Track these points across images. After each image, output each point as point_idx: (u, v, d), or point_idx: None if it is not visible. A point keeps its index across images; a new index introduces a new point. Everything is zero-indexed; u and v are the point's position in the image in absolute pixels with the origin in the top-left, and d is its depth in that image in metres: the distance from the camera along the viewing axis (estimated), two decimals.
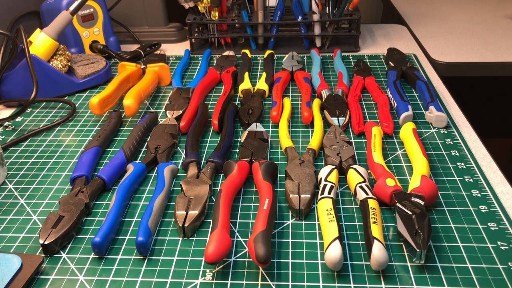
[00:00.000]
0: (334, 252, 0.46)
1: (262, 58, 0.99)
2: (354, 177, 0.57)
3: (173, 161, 0.67)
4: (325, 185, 0.55)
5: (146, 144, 0.69)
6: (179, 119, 0.75)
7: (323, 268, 0.49)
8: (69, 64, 0.87)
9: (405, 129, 0.67)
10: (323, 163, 0.65)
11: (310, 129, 0.73)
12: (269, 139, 0.70)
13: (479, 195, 0.58)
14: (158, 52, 0.99)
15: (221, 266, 0.49)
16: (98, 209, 0.58)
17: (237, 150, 0.69)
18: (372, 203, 0.52)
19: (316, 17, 0.98)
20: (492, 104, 1.32)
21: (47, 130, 0.76)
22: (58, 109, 0.83)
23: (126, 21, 1.10)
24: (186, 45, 1.09)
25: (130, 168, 0.62)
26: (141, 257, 0.51)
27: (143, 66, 0.88)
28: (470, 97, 1.19)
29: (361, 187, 0.55)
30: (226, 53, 0.97)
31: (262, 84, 0.83)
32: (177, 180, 0.63)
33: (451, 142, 0.68)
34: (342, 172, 0.62)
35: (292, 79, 0.89)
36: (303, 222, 0.55)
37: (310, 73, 0.88)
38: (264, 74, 0.86)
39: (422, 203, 0.53)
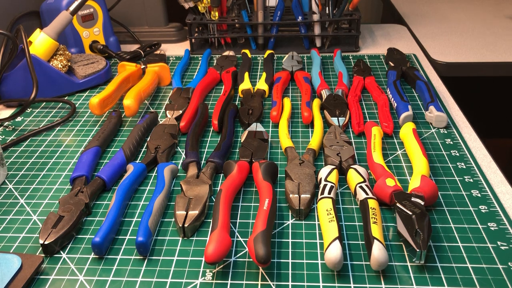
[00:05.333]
0: (334, 252, 0.46)
1: (262, 58, 0.99)
2: (354, 177, 0.57)
3: (173, 161, 0.67)
4: (325, 185, 0.55)
5: (146, 144, 0.69)
6: (179, 119, 0.75)
7: (323, 268, 0.49)
8: (69, 64, 0.87)
9: (405, 129, 0.67)
10: (323, 163, 0.65)
11: (310, 129, 0.73)
12: (269, 139, 0.70)
13: (479, 195, 0.58)
14: (158, 52, 0.99)
15: (221, 266, 0.49)
16: (98, 209, 0.58)
17: (237, 150, 0.69)
18: (372, 203, 0.52)
19: (316, 17, 0.98)
20: (492, 104, 1.31)
21: (47, 130, 0.76)
22: (58, 109, 0.83)
23: (126, 21, 1.10)
24: (186, 45, 1.09)
25: (130, 168, 0.62)
26: (141, 257, 0.51)
27: (143, 66, 0.88)
28: (470, 97, 1.18)
29: (361, 187, 0.55)
30: (226, 53, 0.97)
31: (262, 84, 0.83)
32: (177, 180, 0.63)
33: (451, 142, 0.68)
34: (342, 172, 0.62)
35: (292, 79, 0.89)
36: (303, 222, 0.55)
37: (310, 73, 0.88)
38: (264, 74, 0.86)
39: (422, 203, 0.53)
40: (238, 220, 0.56)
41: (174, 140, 0.68)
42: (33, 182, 0.64)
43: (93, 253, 0.51)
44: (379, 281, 0.47)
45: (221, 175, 0.64)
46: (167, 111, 0.76)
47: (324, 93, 0.79)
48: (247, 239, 0.52)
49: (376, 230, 0.49)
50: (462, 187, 0.59)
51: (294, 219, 0.56)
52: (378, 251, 0.46)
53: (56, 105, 0.84)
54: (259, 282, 0.47)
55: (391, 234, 0.53)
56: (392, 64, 0.89)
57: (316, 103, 0.76)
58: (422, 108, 0.77)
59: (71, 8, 0.85)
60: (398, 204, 0.52)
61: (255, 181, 0.59)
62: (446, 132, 0.71)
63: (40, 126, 0.77)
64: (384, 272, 0.48)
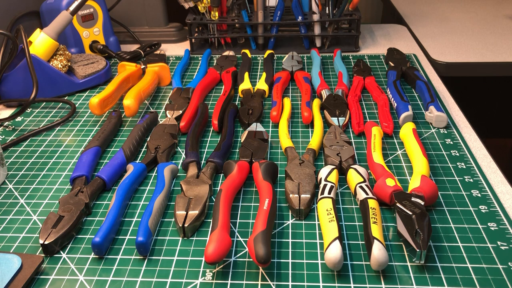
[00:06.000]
0: (334, 252, 0.46)
1: (262, 58, 0.99)
2: (354, 177, 0.57)
3: (173, 161, 0.67)
4: (325, 185, 0.55)
5: (146, 144, 0.69)
6: (179, 119, 0.75)
7: (323, 268, 0.49)
8: (69, 64, 0.87)
9: (405, 129, 0.67)
10: (323, 163, 0.65)
11: (310, 129, 0.73)
12: (269, 139, 0.70)
13: (479, 195, 0.58)
14: (158, 52, 0.99)
15: (221, 266, 0.49)
16: (98, 209, 0.58)
17: (237, 150, 0.69)
18: (372, 203, 0.52)
19: (316, 17, 0.98)
20: (492, 104, 1.32)
21: (47, 130, 0.76)
22: (58, 109, 0.83)
23: (126, 21, 1.10)
24: (186, 45, 1.09)
25: (130, 168, 0.62)
26: (141, 257, 0.51)
27: (143, 66, 0.88)
28: (470, 97, 1.19)
29: (361, 187, 0.55)
30: (226, 53, 0.97)
31: (262, 84, 0.83)
32: (177, 180, 0.63)
33: (451, 142, 0.68)
34: (342, 172, 0.62)
35: (292, 79, 0.89)
36: (303, 222, 0.55)
37: (310, 73, 0.88)
38: (264, 74, 0.86)
39: (422, 203, 0.53)
40: (238, 220, 0.56)
41: (174, 140, 0.68)
42: (33, 182, 0.64)
43: (93, 253, 0.51)
44: (379, 281, 0.47)
45: (221, 175, 0.64)
46: (167, 111, 0.76)
47: (324, 93, 0.79)
48: (247, 239, 0.52)
49: (376, 230, 0.49)
50: (462, 187, 0.59)
51: (294, 219, 0.56)
52: (378, 251, 0.46)
53: (56, 105, 0.84)
54: (259, 282, 0.47)
55: (391, 234, 0.53)
56: (392, 64, 0.89)
57: (316, 103, 0.76)
58: (422, 108, 0.77)
59: (71, 8, 0.85)
60: (398, 204, 0.52)
61: (255, 181, 0.59)
62: (446, 132, 0.71)
63: (40, 126, 0.77)
64: (384, 272, 0.48)
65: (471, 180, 0.60)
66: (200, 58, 1.01)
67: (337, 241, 0.47)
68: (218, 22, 1.00)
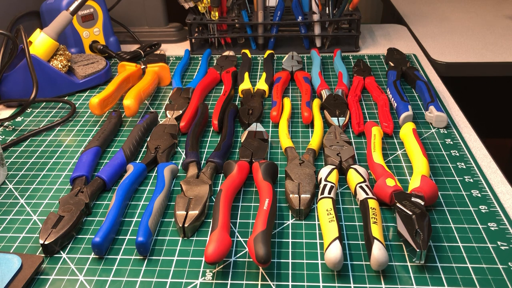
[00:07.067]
0: (334, 252, 0.46)
1: (262, 58, 0.99)
2: (354, 177, 0.57)
3: (173, 161, 0.67)
4: (325, 185, 0.55)
5: (146, 144, 0.69)
6: (179, 119, 0.75)
7: (323, 268, 0.49)
8: (69, 64, 0.87)
9: (405, 129, 0.67)
10: (323, 163, 0.65)
11: (310, 129, 0.73)
12: (269, 139, 0.70)
13: (479, 195, 0.58)
14: (158, 52, 0.99)
15: (221, 266, 0.49)
16: (98, 209, 0.58)
17: (237, 150, 0.69)
18: (372, 203, 0.52)
19: (316, 17, 0.98)
20: (492, 104, 1.32)
21: (47, 130, 0.76)
22: (58, 109, 0.83)
23: (126, 21, 1.10)
24: (186, 45, 1.09)
25: (130, 168, 0.62)
26: (141, 257, 0.51)
27: (143, 66, 0.88)
28: (470, 97, 1.19)
29: (361, 187, 0.55)
30: (226, 53, 0.97)
31: (262, 84, 0.83)
32: (177, 180, 0.63)
33: (451, 142, 0.68)
34: (342, 172, 0.62)
35: (292, 79, 0.89)
36: (303, 222, 0.55)
37: (310, 73, 0.88)
38: (264, 74, 0.86)
39: (422, 203, 0.53)
40: (238, 220, 0.56)
41: (174, 140, 0.68)
42: (33, 182, 0.64)
43: (93, 253, 0.51)
44: (379, 281, 0.47)
45: (221, 175, 0.64)
46: (167, 111, 0.76)
47: (324, 93, 0.79)
48: (247, 239, 0.52)
49: (376, 230, 0.49)
50: (462, 187, 0.59)
51: (294, 219, 0.56)
52: (378, 251, 0.46)
53: (56, 105, 0.84)
54: (259, 282, 0.47)
55: (391, 234, 0.53)
56: (392, 64, 0.89)
57: (316, 103, 0.76)
58: (422, 108, 0.77)
59: (71, 8, 0.85)
60: (398, 204, 0.52)
61: (255, 181, 0.59)
62: (446, 132, 0.71)
63: (40, 126, 0.77)
64: (384, 272, 0.48)
65: (471, 180, 0.60)
66: (200, 58, 1.01)
67: (337, 241, 0.47)
68: (218, 22, 1.00)
